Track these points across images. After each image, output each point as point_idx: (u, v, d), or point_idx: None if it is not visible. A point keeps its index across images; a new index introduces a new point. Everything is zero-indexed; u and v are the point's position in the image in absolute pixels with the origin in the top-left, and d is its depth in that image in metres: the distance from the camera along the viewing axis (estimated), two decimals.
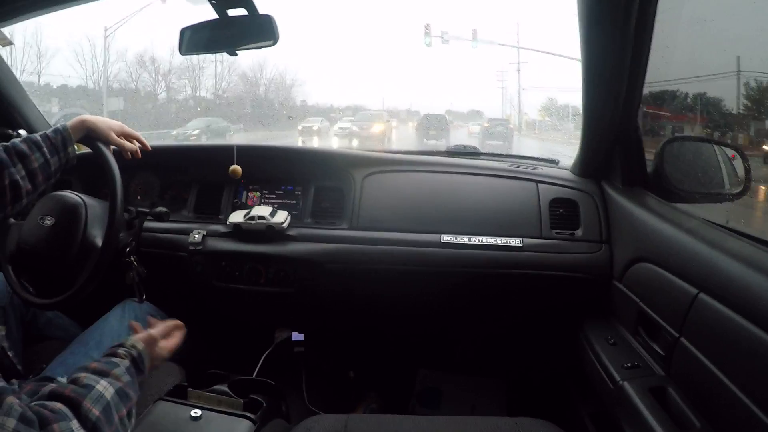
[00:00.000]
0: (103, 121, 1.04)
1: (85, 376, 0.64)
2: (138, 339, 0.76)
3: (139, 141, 1.10)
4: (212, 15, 0.93)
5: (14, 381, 0.78)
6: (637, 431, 0.73)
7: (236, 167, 1.20)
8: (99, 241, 1.03)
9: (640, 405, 0.74)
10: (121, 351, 0.72)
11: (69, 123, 1.00)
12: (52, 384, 0.81)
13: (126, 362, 0.70)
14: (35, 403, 0.57)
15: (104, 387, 0.63)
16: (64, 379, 0.84)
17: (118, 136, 1.06)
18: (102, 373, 0.66)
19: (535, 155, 1.47)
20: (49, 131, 0.96)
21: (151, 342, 0.78)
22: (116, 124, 1.06)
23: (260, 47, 0.96)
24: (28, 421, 0.51)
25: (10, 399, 0.52)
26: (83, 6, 1.15)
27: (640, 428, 0.71)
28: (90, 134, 1.02)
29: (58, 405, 0.57)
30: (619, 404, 0.80)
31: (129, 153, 1.08)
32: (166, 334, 0.84)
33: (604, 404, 0.90)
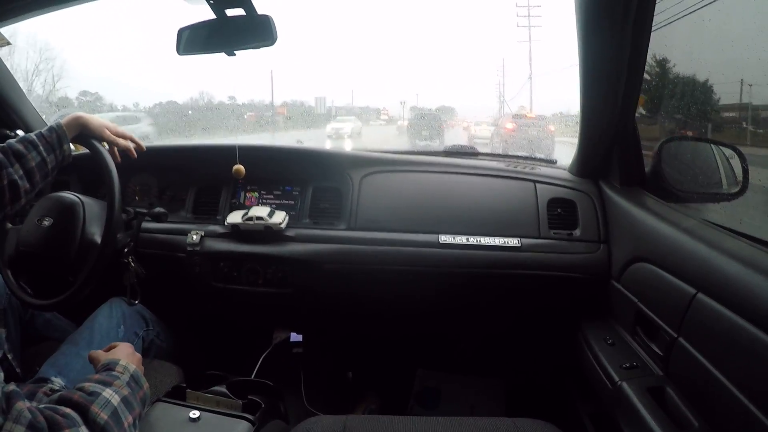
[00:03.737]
0: (97, 119, 1.04)
1: (90, 385, 0.65)
2: (126, 360, 0.76)
3: (132, 141, 1.10)
4: (210, 15, 0.93)
5: (12, 383, 0.78)
6: (635, 431, 0.73)
7: (240, 167, 1.20)
8: (98, 239, 1.04)
9: (638, 405, 0.74)
10: (118, 367, 0.73)
11: (63, 120, 1.00)
12: (57, 388, 0.82)
13: (125, 377, 0.72)
14: (46, 406, 0.57)
15: (110, 394, 0.64)
16: (58, 378, 0.84)
17: (112, 134, 1.06)
18: (105, 383, 0.67)
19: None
20: (43, 130, 0.97)
21: (137, 359, 0.80)
22: (110, 123, 1.06)
23: (258, 47, 0.96)
24: (36, 429, 0.51)
25: (20, 405, 0.52)
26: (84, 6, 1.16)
27: (639, 428, 0.71)
28: (84, 131, 1.03)
29: (68, 410, 0.58)
30: (618, 404, 0.80)
31: (123, 151, 1.08)
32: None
33: (602, 404, 0.90)
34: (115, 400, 0.64)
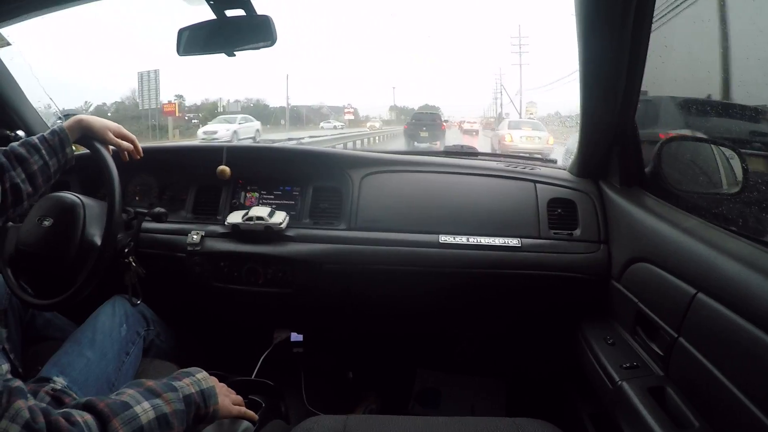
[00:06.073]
0: (100, 121, 1.04)
1: (131, 394, 0.62)
2: (213, 378, 0.74)
3: (133, 144, 1.09)
4: (210, 15, 0.93)
5: (18, 380, 0.78)
6: (636, 431, 0.73)
7: (224, 168, 1.20)
8: (98, 240, 1.03)
9: (638, 405, 0.74)
10: (187, 379, 0.70)
11: (65, 124, 1.00)
12: (59, 387, 0.82)
13: (188, 390, 0.67)
14: (64, 411, 0.55)
15: (144, 410, 0.60)
16: (60, 378, 0.84)
17: (115, 137, 1.06)
18: (152, 393, 0.63)
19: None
20: (46, 133, 0.97)
21: (225, 391, 0.77)
22: (113, 124, 1.06)
23: (258, 48, 0.96)
24: (32, 430, 0.50)
25: (20, 403, 0.51)
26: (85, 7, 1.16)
27: (639, 428, 0.71)
28: (87, 134, 1.02)
29: (87, 416, 0.55)
30: (618, 404, 0.80)
31: (126, 153, 1.08)
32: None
33: (603, 404, 0.90)
34: (148, 417, 0.60)
